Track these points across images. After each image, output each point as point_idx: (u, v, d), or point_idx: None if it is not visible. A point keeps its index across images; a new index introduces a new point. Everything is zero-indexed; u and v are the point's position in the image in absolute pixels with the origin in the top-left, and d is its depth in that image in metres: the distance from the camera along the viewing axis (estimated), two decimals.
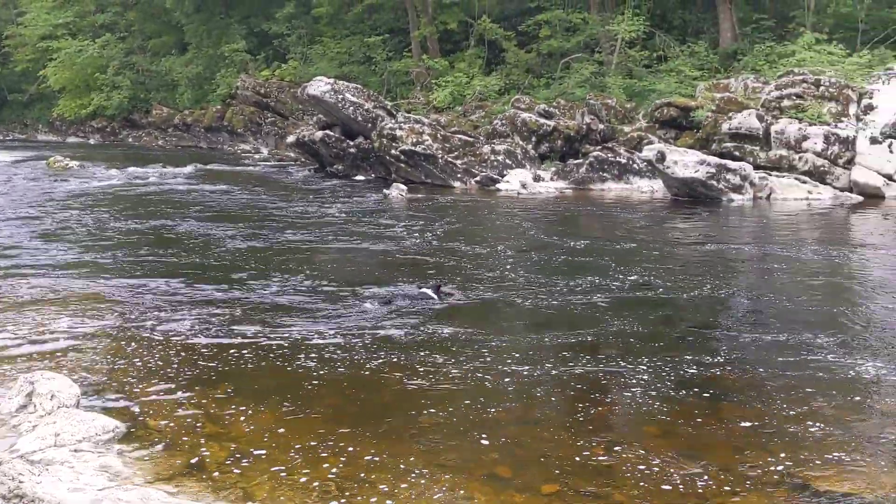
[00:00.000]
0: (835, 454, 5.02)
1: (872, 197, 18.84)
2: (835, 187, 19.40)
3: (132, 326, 7.76)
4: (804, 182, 19.40)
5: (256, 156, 34.44)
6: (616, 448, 5.13)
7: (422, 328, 7.85)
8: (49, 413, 5.31)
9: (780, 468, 4.83)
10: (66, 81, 45.85)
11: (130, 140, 45.21)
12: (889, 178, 19.04)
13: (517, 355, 7.01)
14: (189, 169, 26.49)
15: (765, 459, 4.95)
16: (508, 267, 11.01)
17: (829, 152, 19.65)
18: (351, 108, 24.18)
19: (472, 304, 8.90)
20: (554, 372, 6.59)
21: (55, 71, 45.53)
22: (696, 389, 6.18)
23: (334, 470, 4.78)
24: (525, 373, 6.58)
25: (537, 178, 21.73)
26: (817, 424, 5.50)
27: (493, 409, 5.78)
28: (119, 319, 8.00)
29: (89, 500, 4.01)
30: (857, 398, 6.02)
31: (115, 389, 6.09)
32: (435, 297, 8.91)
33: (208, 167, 27.62)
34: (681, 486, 4.61)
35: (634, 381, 6.38)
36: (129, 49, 45.69)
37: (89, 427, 5.18)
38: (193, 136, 41.71)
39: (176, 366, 6.65)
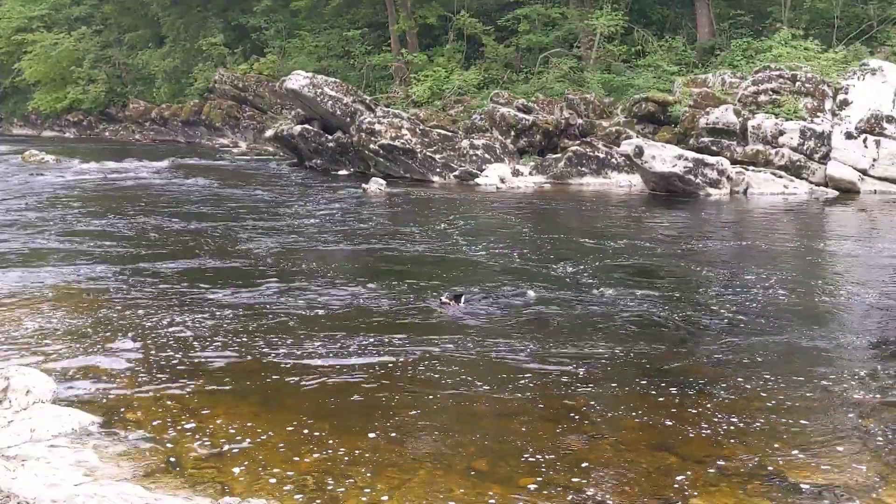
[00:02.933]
0: (809, 445, 5.08)
1: (847, 191, 19.04)
2: (810, 182, 19.58)
3: (109, 322, 7.72)
4: (780, 177, 19.56)
5: (234, 150, 34.25)
6: (593, 442, 5.16)
7: (406, 325, 7.86)
8: (25, 408, 5.28)
9: (755, 460, 4.88)
10: (41, 75, 45.37)
11: (107, 134, 44.82)
12: (864, 172, 19.24)
13: (495, 350, 7.03)
14: (166, 163, 26.31)
15: (740, 451, 5.00)
16: (492, 264, 11.05)
17: (804, 147, 19.82)
18: (330, 102, 24.11)
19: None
20: (532, 367, 6.61)
21: (30, 64, 45.04)
22: (672, 383, 6.22)
23: (312, 464, 4.78)
24: (504, 368, 6.61)
25: (516, 173, 21.77)
26: (792, 417, 5.55)
27: (471, 404, 5.80)
28: (95, 315, 7.95)
29: (66, 495, 3.99)
30: (831, 390, 6.09)
31: (91, 384, 6.06)
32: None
33: (186, 161, 27.44)
34: (657, 479, 4.65)
35: (611, 375, 6.42)
36: (106, 42, 45.27)
37: (65, 422, 5.16)
38: (171, 130, 41.43)
39: (153, 361, 6.62)
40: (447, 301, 8.50)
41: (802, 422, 5.47)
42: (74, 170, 24.05)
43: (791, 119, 20.12)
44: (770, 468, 4.77)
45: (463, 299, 8.55)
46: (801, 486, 4.55)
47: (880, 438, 5.22)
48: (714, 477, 4.67)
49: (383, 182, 20.01)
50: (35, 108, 47.56)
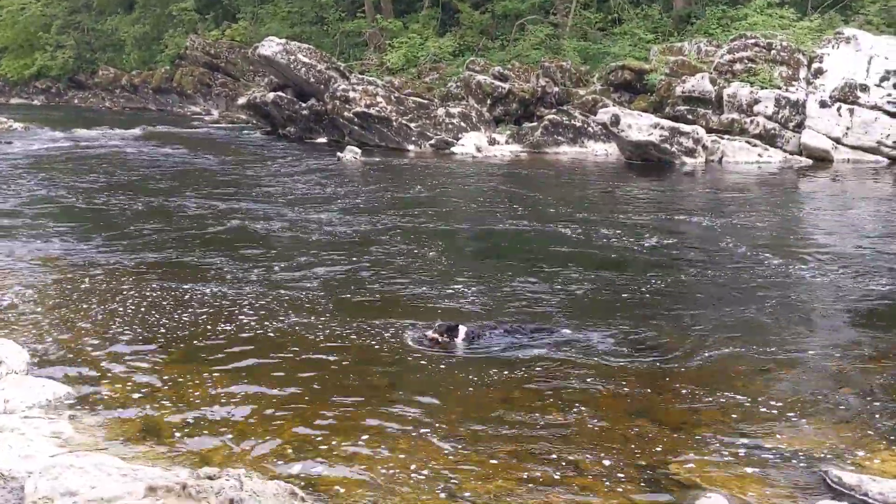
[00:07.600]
0: (786, 413, 5.12)
1: (821, 160, 19.14)
2: (785, 150, 19.67)
3: (84, 293, 7.61)
4: (755, 145, 19.64)
5: (207, 118, 33.87)
6: (571, 409, 5.16)
7: (383, 295, 7.83)
8: None
9: (732, 427, 4.91)
10: (8, 41, 44.62)
11: (76, 101, 44.15)
12: (837, 141, 19.34)
13: (471, 320, 7.01)
14: (138, 132, 25.96)
15: (717, 420, 5.03)
16: (474, 241, 11.03)
17: (779, 116, 19.88)
18: (303, 69, 23.82)
19: (421, 268, 8.88)
20: (508, 337, 6.60)
21: None
22: (649, 354, 6.25)
23: (291, 433, 4.75)
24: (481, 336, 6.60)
25: (492, 142, 21.69)
26: (769, 385, 5.60)
27: (450, 374, 5.79)
28: (70, 285, 7.84)
29: (41, 466, 3.92)
30: (808, 359, 6.15)
31: (67, 356, 5.98)
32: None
33: (158, 130, 27.10)
34: (634, 446, 4.66)
35: (588, 345, 6.42)
36: (74, 7, 44.45)
37: (39, 393, 5.08)
38: (142, 97, 40.87)
39: (130, 332, 6.54)
40: (436, 336, 6.29)
41: (779, 389, 5.52)
42: (44, 138, 23.66)
43: (766, 88, 20.16)
44: (747, 435, 4.80)
45: (462, 333, 6.32)
46: (777, 452, 4.58)
47: (856, 405, 5.28)
48: (691, 445, 4.69)
49: (358, 151, 19.85)
50: (2, 74, 46.74)
